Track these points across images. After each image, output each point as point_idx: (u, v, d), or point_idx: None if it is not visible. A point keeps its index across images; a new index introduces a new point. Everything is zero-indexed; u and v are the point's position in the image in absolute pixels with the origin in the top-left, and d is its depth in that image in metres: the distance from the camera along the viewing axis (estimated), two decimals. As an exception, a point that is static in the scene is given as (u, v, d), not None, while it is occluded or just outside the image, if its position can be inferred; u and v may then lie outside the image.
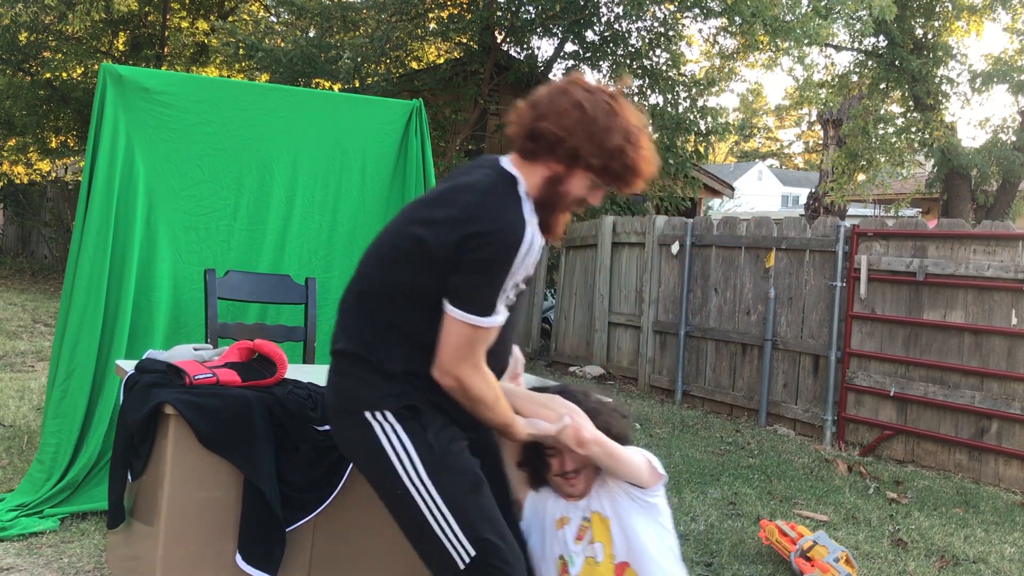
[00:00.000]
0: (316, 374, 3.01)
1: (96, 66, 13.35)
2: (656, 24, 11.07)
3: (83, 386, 3.66)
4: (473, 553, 2.07)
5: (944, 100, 13.05)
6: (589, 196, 2.17)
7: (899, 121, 13.63)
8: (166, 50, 14.94)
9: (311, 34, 11.77)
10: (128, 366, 2.90)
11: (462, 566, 2.07)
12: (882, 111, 13.64)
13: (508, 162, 2.15)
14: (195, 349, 2.89)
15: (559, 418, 2.26)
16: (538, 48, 14.96)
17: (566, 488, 2.40)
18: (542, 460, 2.37)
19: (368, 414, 2.08)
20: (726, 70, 12.43)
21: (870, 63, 13.52)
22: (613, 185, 2.15)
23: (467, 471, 2.13)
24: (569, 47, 11.57)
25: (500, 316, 2.06)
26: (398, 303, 2.08)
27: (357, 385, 2.11)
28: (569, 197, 2.14)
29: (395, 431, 2.08)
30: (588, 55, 11.36)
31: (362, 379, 2.10)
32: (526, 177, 2.11)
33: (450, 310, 2.03)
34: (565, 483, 2.38)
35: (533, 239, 2.05)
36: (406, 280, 2.07)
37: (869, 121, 13.02)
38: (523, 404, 2.29)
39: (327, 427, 2.64)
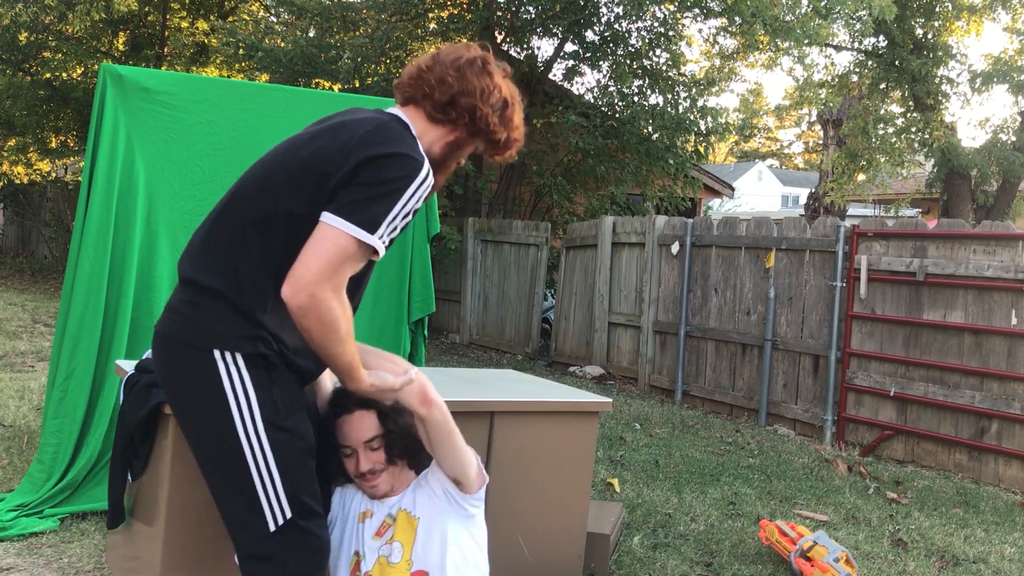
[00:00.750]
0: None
1: (96, 66, 13.36)
2: (656, 24, 11.07)
3: (83, 386, 3.65)
4: (289, 515, 2.01)
5: (944, 100, 13.05)
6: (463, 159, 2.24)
7: (899, 121, 13.64)
8: (166, 50, 14.95)
9: (311, 34, 11.78)
10: (128, 366, 2.90)
11: (272, 528, 2.00)
12: (882, 111, 13.65)
13: (399, 110, 2.16)
14: (195, 349, 2.88)
15: (404, 373, 2.17)
16: (538, 48, 14.95)
17: (367, 489, 2.32)
18: (339, 460, 2.29)
19: (217, 352, 1.95)
20: (726, 70, 12.44)
21: (870, 63, 13.53)
22: (496, 154, 2.23)
23: (303, 435, 2.06)
24: (569, 47, 11.58)
25: (380, 243, 1.94)
26: (280, 234, 1.96)
27: (212, 320, 1.97)
28: (460, 161, 2.20)
29: (240, 376, 1.97)
30: (588, 55, 11.36)
31: (219, 315, 1.96)
32: (423, 134, 2.13)
33: (328, 218, 1.90)
34: (364, 483, 2.31)
35: (428, 174, 2.01)
36: (293, 209, 1.95)
37: (869, 121, 13.03)
38: (368, 357, 2.16)
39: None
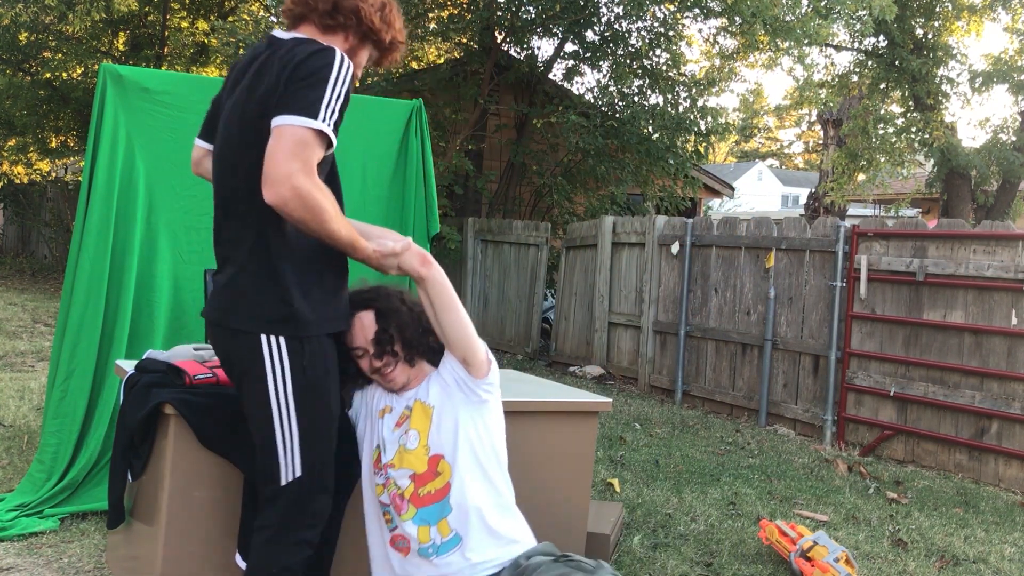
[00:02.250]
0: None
1: (96, 66, 13.34)
2: (656, 24, 11.07)
3: (83, 386, 3.66)
4: (300, 473, 2.23)
5: (944, 100, 13.05)
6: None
7: (899, 121, 13.63)
8: (166, 50, 14.93)
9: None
10: (128, 366, 2.90)
11: (283, 482, 2.23)
12: (882, 111, 13.64)
13: (291, 33, 2.27)
14: (195, 349, 2.88)
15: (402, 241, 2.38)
16: (538, 48, 14.96)
17: (385, 384, 2.49)
18: (353, 363, 2.47)
19: (263, 337, 2.17)
20: (726, 70, 12.43)
21: (870, 63, 13.52)
22: (383, 59, 2.35)
23: (326, 396, 2.27)
24: (569, 47, 11.58)
25: (327, 127, 2.06)
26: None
27: (250, 306, 2.18)
28: (357, 74, 2.30)
29: (280, 351, 2.18)
30: (588, 55, 11.36)
31: (258, 297, 2.17)
32: None
33: (276, 121, 2.04)
34: (382, 379, 2.48)
35: (345, 58, 2.13)
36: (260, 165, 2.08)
37: (869, 121, 13.02)
38: (367, 230, 2.39)
39: None
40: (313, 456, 2.25)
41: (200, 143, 2.47)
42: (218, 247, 2.30)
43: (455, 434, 2.41)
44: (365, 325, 2.43)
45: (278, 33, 2.28)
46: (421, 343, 2.49)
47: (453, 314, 2.40)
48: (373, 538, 2.53)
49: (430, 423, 2.42)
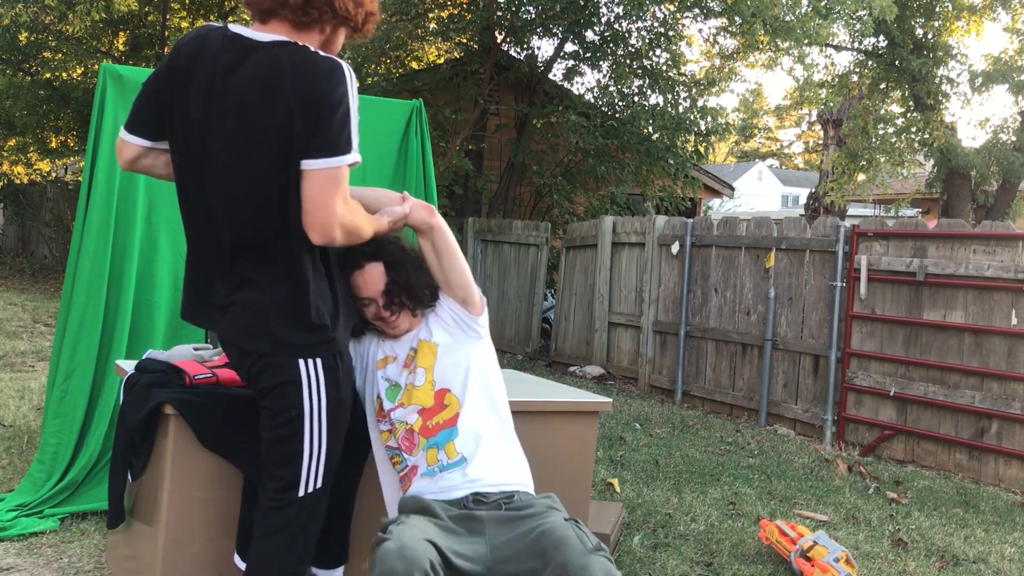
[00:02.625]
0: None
1: (96, 66, 13.34)
2: (656, 24, 11.07)
3: (83, 386, 3.65)
4: (319, 484, 2.25)
5: (944, 100, 13.05)
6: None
7: (899, 121, 13.63)
8: (166, 50, 14.93)
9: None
10: (128, 366, 2.90)
11: (301, 494, 2.23)
12: (882, 111, 13.65)
13: (262, 31, 2.17)
14: (195, 349, 2.89)
15: (401, 201, 2.52)
16: (538, 48, 14.97)
17: (390, 330, 2.58)
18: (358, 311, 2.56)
19: (301, 361, 2.19)
20: (726, 70, 12.43)
21: (870, 63, 13.52)
22: (356, 35, 2.31)
23: (348, 404, 2.33)
24: (569, 47, 11.58)
25: (356, 152, 2.10)
26: (285, 228, 2.12)
27: (286, 332, 2.18)
28: (335, 52, 2.28)
29: (317, 373, 2.21)
30: (588, 55, 11.36)
31: (288, 328, 2.17)
32: (303, 41, 2.18)
33: (309, 165, 2.05)
34: (387, 325, 2.57)
35: (345, 65, 2.14)
36: (284, 190, 2.11)
37: (869, 121, 13.03)
38: (368, 201, 2.46)
39: None
40: (330, 466, 2.28)
41: (132, 139, 2.27)
42: (224, 267, 2.21)
43: (460, 367, 2.54)
44: (375, 277, 2.52)
45: (247, 32, 2.16)
46: (424, 290, 2.60)
47: (457, 260, 2.58)
48: (385, 482, 2.63)
49: (435, 359, 2.54)
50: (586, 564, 2.11)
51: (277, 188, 2.10)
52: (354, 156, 2.08)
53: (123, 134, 2.29)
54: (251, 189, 2.12)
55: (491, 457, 2.47)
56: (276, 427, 2.22)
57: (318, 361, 2.19)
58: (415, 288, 2.56)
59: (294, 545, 2.23)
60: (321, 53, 2.13)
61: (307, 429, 2.21)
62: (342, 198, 2.07)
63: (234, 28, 2.17)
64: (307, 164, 2.04)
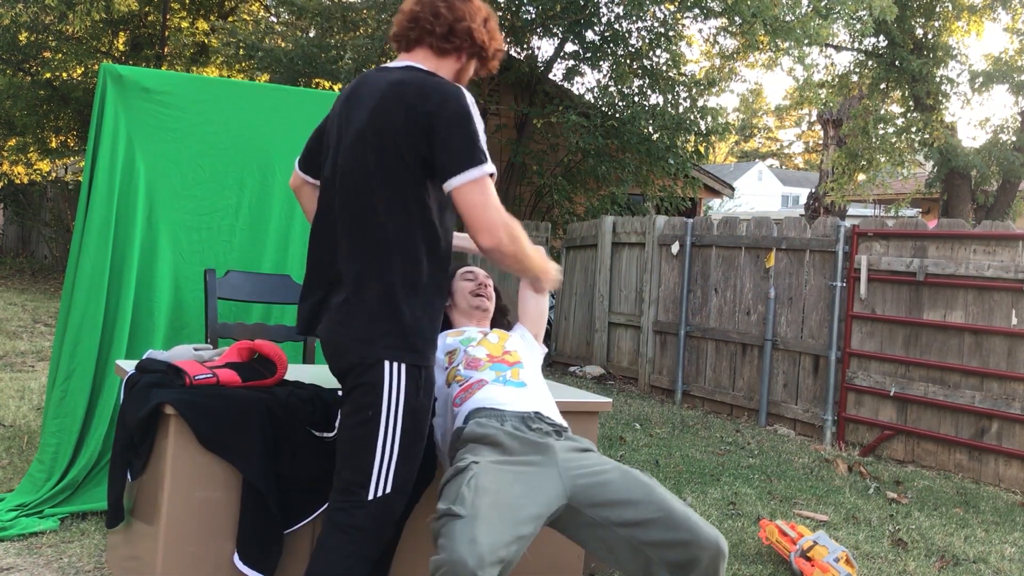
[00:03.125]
0: (317, 374, 3.01)
1: (96, 66, 13.36)
2: (656, 24, 11.07)
3: (83, 386, 3.65)
4: (389, 490, 2.21)
5: (944, 100, 13.06)
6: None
7: (899, 121, 13.65)
8: (166, 50, 14.94)
9: (311, 34, 11.78)
10: (128, 366, 2.90)
11: (370, 496, 2.20)
12: (882, 111, 13.66)
13: (407, 59, 2.34)
14: (195, 349, 2.89)
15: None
16: (538, 48, 14.96)
17: (484, 304, 2.93)
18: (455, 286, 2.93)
19: (387, 362, 2.20)
20: (726, 70, 12.44)
21: (870, 63, 13.53)
22: (484, 69, 2.47)
23: (425, 420, 2.31)
24: (569, 47, 11.58)
25: (491, 165, 2.18)
26: (399, 228, 2.21)
27: (377, 333, 2.22)
28: (464, 83, 2.39)
29: (400, 376, 2.22)
30: (588, 55, 11.36)
31: (384, 328, 2.22)
32: (436, 70, 2.32)
33: (457, 180, 2.13)
34: (478, 299, 2.92)
35: (463, 89, 2.22)
36: (400, 200, 2.20)
37: (869, 121, 13.04)
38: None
39: (327, 433, 2.66)
40: (405, 474, 2.25)
41: (300, 173, 2.56)
42: (329, 267, 2.31)
43: (524, 352, 2.81)
44: (491, 282, 2.99)
45: (391, 64, 2.36)
46: (503, 323, 3.04)
47: (544, 302, 3.01)
48: (440, 428, 2.71)
49: (509, 337, 2.83)
50: (688, 514, 2.21)
51: (390, 192, 2.23)
52: (489, 166, 2.16)
53: (296, 166, 2.59)
54: (371, 194, 2.25)
55: (547, 400, 2.65)
56: (349, 426, 2.24)
57: (403, 367, 2.20)
58: (504, 311, 3.05)
59: (359, 551, 2.19)
60: (444, 78, 2.28)
61: (381, 431, 2.20)
62: (496, 208, 2.15)
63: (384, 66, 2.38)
64: (452, 182, 2.14)
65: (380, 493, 2.20)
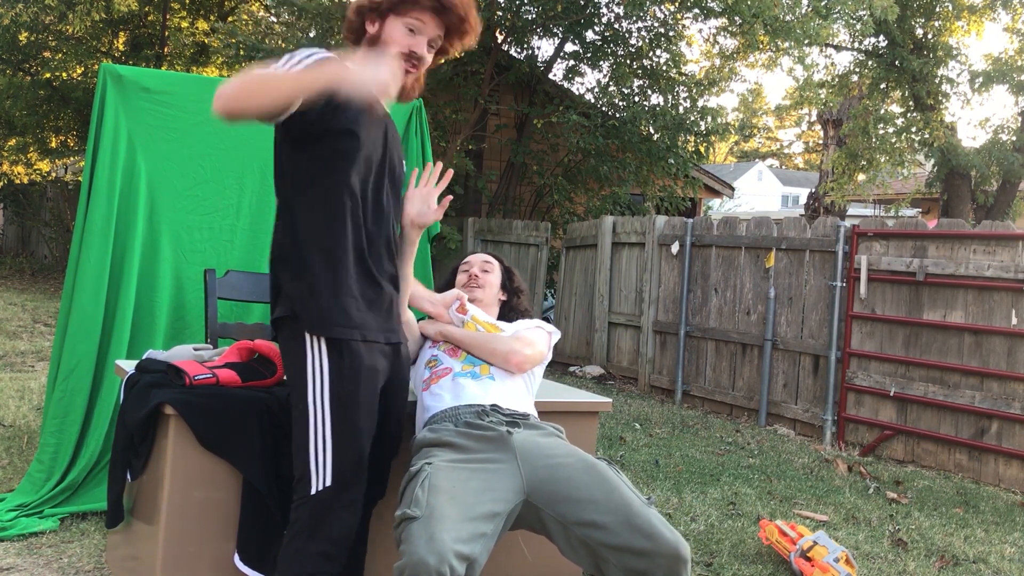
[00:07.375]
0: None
1: (96, 66, 13.34)
2: (656, 24, 11.07)
3: (83, 386, 3.65)
4: (329, 484, 2.19)
5: (944, 100, 13.05)
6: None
7: (899, 121, 13.64)
8: (166, 50, 14.93)
9: (311, 34, 11.77)
10: (128, 366, 2.90)
11: (312, 491, 2.20)
12: (882, 111, 13.65)
13: None
14: (195, 349, 2.89)
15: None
16: (538, 48, 14.96)
17: (473, 293, 2.91)
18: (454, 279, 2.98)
19: (308, 335, 2.22)
20: (726, 70, 12.43)
21: (870, 63, 13.53)
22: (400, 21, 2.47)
23: (369, 411, 2.26)
24: (569, 47, 11.58)
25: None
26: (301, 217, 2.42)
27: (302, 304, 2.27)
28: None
29: (321, 354, 2.22)
30: (588, 55, 11.36)
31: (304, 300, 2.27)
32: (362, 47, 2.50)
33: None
34: (471, 290, 2.91)
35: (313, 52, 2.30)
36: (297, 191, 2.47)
37: (869, 121, 13.03)
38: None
39: None
40: (343, 467, 2.21)
41: None
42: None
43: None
44: (494, 267, 2.98)
45: None
46: (515, 303, 3.00)
47: (520, 326, 2.91)
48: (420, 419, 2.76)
49: (500, 330, 2.82)
50: (650, 517, 2.17)
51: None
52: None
53: None
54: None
55: (515, 393, 2.67)
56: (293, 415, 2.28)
57: (322, 342, 2.19)
58: (513, 291, 3.00)
59: (308, 546, 2.20)
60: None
61: (311, 415, 2.20)
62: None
63: None
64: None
65: (322, 485, 2.20)
